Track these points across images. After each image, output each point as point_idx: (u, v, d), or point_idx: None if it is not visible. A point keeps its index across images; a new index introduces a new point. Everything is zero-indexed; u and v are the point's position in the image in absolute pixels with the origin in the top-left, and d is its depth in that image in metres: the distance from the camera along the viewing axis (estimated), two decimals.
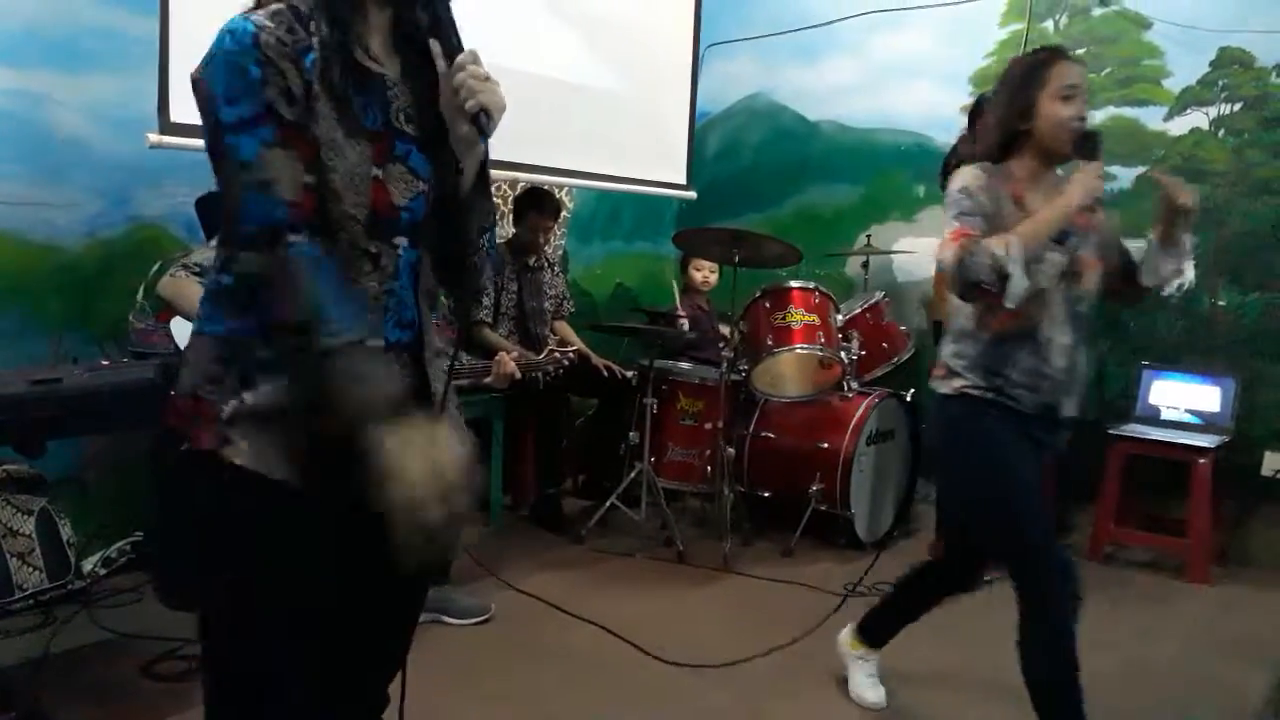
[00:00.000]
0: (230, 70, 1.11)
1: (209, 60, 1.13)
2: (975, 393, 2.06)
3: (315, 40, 1.15)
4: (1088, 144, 2.02)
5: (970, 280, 1.91)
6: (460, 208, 1.32)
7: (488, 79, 1.23)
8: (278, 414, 1.17)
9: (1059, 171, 2.12)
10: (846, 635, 2.62)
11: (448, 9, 1.27)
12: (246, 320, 1.16)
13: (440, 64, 1.25)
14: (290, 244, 1.10)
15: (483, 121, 1.22)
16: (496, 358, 3.26)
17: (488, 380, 3.07)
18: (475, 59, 1.23)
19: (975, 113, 3.65)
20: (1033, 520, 2.05)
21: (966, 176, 2.04)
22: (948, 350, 2.14)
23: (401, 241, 1.26)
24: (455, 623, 2.89)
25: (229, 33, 1.12)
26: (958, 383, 2.09)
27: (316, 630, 1.21)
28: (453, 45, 1.26)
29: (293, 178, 1.12)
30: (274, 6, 1.15)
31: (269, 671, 1.22)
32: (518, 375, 3.16)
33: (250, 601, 1.20)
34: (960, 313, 2.11)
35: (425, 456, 1.09)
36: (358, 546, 1.23)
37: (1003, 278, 1.88)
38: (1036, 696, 2.04)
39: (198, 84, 1.14)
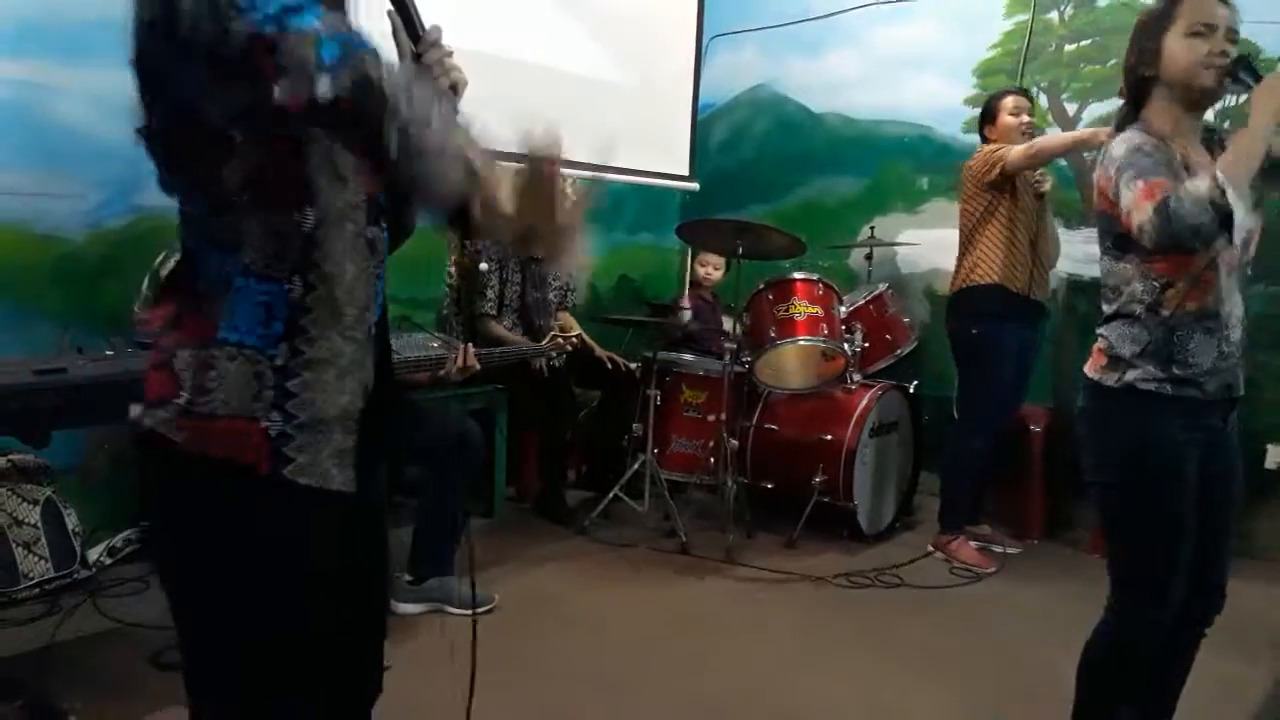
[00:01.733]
0: None
1: None
2: (1150, 387, 1.81)
3: None
4: (1241, 72, 1.78)
5: (1185, 228, 1.63)
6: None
7: (451, 55, 1.24)
8: (331, 422, 1.16)
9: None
10: None
11: None
12: (273, 325, 1.12)
13: (401, 41, 1.24)
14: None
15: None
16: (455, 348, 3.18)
17: (443, 373, 3.01)
18: (440, 36, 1.24)
19: (986, 113, 3.69)
20: (1181, 551, 1.85)
21: (1133, 138, 1.80)
22: (1114, 335, 1.87)
23: (382, 225, 1.25)
24: (458, 613, 2.90)
25: None
26: (1130, 374, 1.83)
27: (332, 625, 1.22)
28: (411, 22, 1.24)
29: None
30: None
31: (277, 672, 1.19)
32: (477, 367, 3.08)
33: (279, 604, 1.17)
34: (1124, 292, 1.86)
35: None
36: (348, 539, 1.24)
37: (1224, 215, 1.61)
38: (1081, 692, 1.99)
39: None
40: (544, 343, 3.65)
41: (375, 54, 1.03)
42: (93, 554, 3.05)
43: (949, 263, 3.76)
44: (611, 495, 3.76)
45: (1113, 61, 4.22)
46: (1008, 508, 3.98)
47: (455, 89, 1.23)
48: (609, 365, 4.18)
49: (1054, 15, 4.38)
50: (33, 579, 2.83)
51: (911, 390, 4.06)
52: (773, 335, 3.79)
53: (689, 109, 4.89)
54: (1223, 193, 1.61)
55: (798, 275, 3.87)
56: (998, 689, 2.64)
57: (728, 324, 4.34)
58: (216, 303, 1.12)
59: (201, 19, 0.98)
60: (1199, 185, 1.64)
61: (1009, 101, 3.62)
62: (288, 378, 1.13)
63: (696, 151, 4.97)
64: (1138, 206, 1.69)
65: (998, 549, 3.75)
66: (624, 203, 5.27)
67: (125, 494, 3.12)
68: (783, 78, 5.25)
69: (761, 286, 3.88)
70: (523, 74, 3.87)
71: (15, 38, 2.88)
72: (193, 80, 1.03)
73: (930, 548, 3.72)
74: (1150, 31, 1.87)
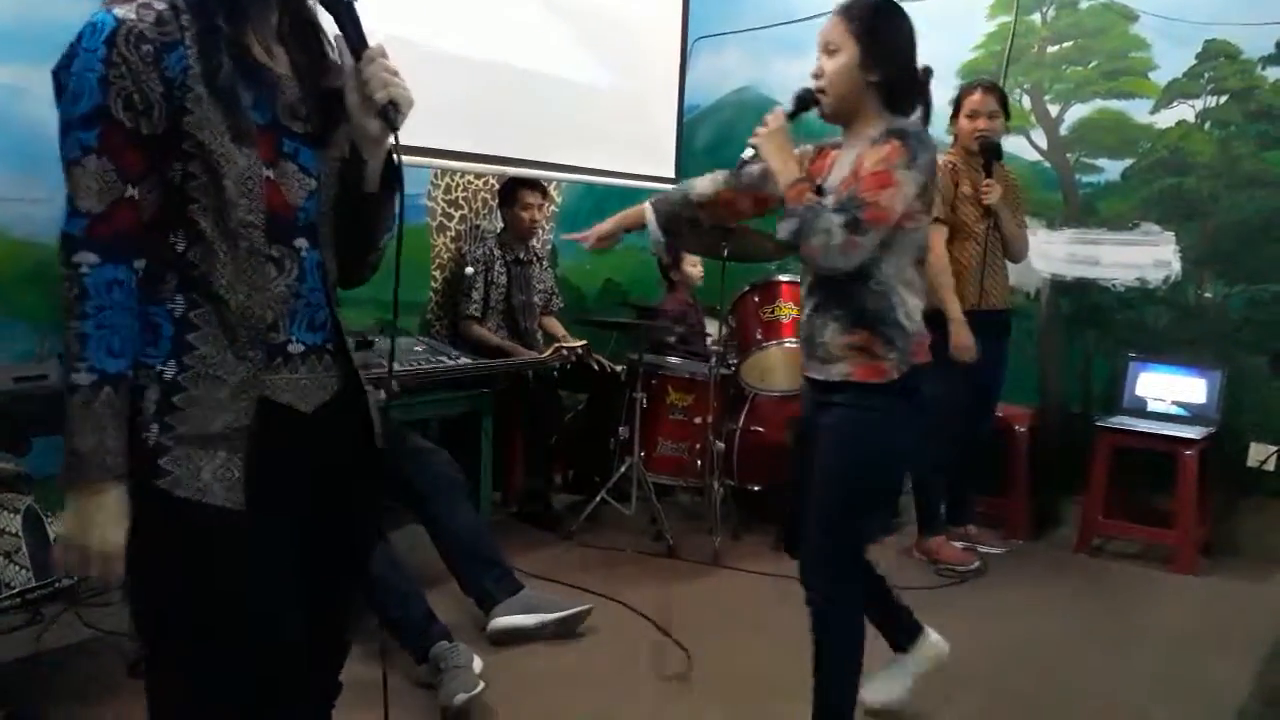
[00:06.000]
0: (81, 64, 1.09)
1: (66, 53, 1.12)
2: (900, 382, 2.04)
3: (190, 35, 1.12)
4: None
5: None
6: (367, 204, 1.30)
7: (396, 73, 1.21)
8: (214, 438, 1.15)
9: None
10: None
11: (350, 5, 1.22)
12: (160, 343, 1.15)
13: (345, 60, 1.23)
14: (80, 263, 1.08)
15: (391, 115, 1.20)
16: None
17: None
18: (384, 53, 1.21)
19: (955, 103, 3.71)
20: None
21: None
22: (895, 337, 2.05)
23: (302, 243, 1.23)
24: (569, 613, 2.82)
25: (90, 26, 1.10)
26: (895, 374, 2.04)
27: (257, 647, 1.20)
28: (356, 41, 1.22)
29: (102, 188, 1.08)
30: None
31: (211, 690, 1.21)
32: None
33: (189, 625, 1.19)
34: (911, 300, 2.10)
35: (84, 529, 1.11)
36: (295, 561, 1.24)
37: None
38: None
39: (55, 76, 1.13)
40: (547, 354, 3.64)
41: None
42: None
43: None
44: (598, 499, 3.76)
45: (1094, 63, 4.25)
46: (994, 509, 3.99)
47: (396, 105, 1.20)
48: (595, 368, 4.17)
49: (1036, 17, 4.40)
50: (14, 588, 2.81)
51: None
52: (758, 338, 3.79)
53: (674, 111, 4.89)
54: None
55: (783, 278, 3.88)
56: (986, 689, 2.64)
57: (711, 326, 4.34)
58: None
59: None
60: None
61: (974, 99, 3.51)
62: (174, 392, 1.14)
63: (682, 154, 4.97)
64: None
65: (982, 549, 3.76)
66: (609, 205, 5.23)
67: None
68: (767, 79, 5.25)
69: (747, 289, 3.88)
70: (509, 77, 3.85)
71: None
72: None
73: (915, 552, 3.72)
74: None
